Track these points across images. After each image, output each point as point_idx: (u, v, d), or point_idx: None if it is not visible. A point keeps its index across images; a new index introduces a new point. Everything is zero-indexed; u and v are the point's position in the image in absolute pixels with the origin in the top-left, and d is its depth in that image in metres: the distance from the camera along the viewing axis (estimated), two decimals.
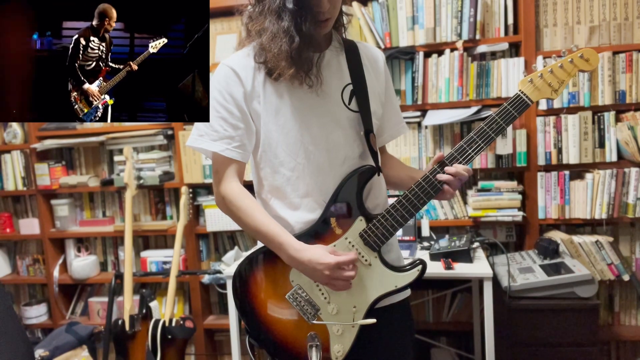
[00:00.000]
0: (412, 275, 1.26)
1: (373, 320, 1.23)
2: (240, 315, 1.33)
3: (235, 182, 1.28)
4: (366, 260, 1.26)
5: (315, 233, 1.27)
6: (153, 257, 2.90)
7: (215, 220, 2.72)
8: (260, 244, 1.32)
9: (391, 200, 1.30)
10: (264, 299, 1.30)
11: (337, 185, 1.28)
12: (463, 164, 1.25)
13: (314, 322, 1.26)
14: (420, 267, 1.26)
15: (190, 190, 2.74)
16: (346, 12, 1.35)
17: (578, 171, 2.43)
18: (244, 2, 1.29)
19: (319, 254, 1.19)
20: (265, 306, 1.30)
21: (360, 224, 1.26)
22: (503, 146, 2.38)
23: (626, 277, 2.30)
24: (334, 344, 1.26)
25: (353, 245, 1.26)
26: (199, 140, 1.27)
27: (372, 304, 1.26)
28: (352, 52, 1.33)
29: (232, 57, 1.28)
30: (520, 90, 1.28)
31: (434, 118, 2.41)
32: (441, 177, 1.25)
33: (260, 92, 1.25)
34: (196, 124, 1.28)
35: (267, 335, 1.30)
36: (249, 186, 1.34)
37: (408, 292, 1.39)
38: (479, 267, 2.08)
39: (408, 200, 1.26)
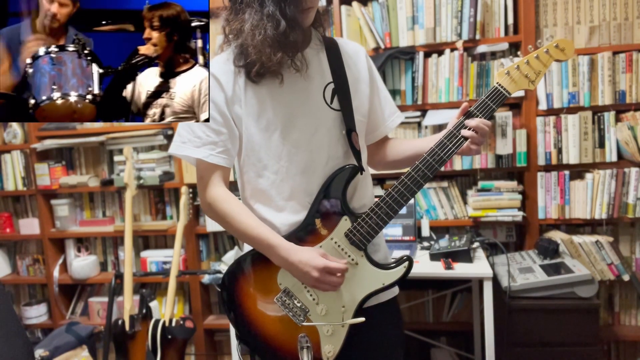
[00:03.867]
0: (398, 272, 1.26)
1: (362, 319, 1.24)
2: (229, 319, 1.33)
3: (221, 187, 1.28)
4: (353, 260, 1.26)
5: (301, 235, 1.27)
6: (153, 257, 2.90)
7: None
8: (247, 247, 1.32)
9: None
10: (252, 303, 1.30)
11: (321, 186, 1.28)
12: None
13: (304, 323, 1.26)
14: (406, 263, 1.26)
15: (190, 190, 2.74)
16: (324, 11, 1.34)
17: (578, 171, 2.43)
18: (222, 5, 1.28)
19: (308, 256, 1.19)
20: (255, 310, 1.30)
21: (345, 223, 1.26)
22: (503, 146, 2.38)
23: (626, 277, 2.30)
24: (324, 344, 1.27)
25: (339, 246, 1.26)
26: (181, 147, 1.26)
27: (360, 303, 1.26)
28: (332, 50, 1.32)
29: (211, 63, 1.26)
30: (497, 83, 1.27)
31: (434, 118, 2.41)
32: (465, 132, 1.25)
33: (241, 96, 1.25)
34: (178, 130, 1.28)
35: (258, 339, 1.30)
36: (234, 187, 1.33)
37: (396, 291, 1.39)
38: (479, 267, 2.08)
39: (391, 197, 1.26)
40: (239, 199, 1.33)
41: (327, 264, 1.18)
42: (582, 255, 2.31)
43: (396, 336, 1.41)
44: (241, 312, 1.30)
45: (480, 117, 1.26)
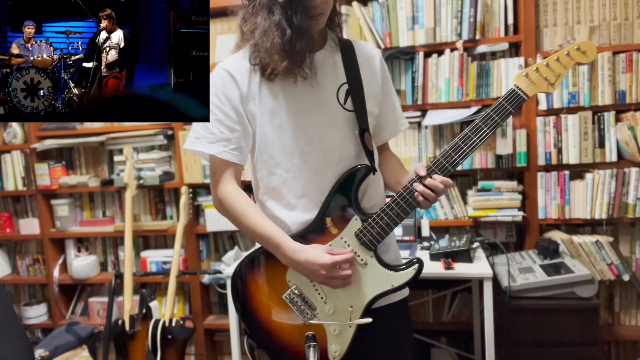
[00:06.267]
0: (408, 274, 1.26)
1: (369, 320, 1.24)
2: (239, 315, 1.34)
3: (232, 184, 1.29)
4: (362, 260, 1.26)
5: (312, 233, 1.28)
6: (153, 257, 2.90)
7: (215, 220, 2.72)
8: (258, 244, 1.32)
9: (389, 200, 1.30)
10: (261, 299, 1.31)
11: (333, 185, 1.28)
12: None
13: (311, 322, 1.26)
14: (416, 265, 1.26)
15: (190, 190, 2.74)
16: (341, 12, 1.35)
17: (578, 171, 2.43)
18: (240, 2, 1.29)
19: (314, 254, 1.20)
20: (263, 306, 1.31)
21: (355, 223, 1.27)
22: (503, 146, 2.38)
23: (626, 277, 2.30)
24: (331, 344, 1.27)
25: (349, 245, 1.27)
26: (195, 143, 1.28)
27: (368, 304, 1.26)
28: (347, 51, 1.33)
29: (227, 60, 1.29)
30: (515, 85, 1.26)
31: (434, 118, 2.41)
32: (417, 187, 1.24)
33: (256, 93, 1.26)
34: (193, 126, 1.29)
35: (266, 335, 1.31)
36: (248, 187, 1.34)
37: (406, 292, 1.39)
38: (479, 267, 2.08)
39: (403, 198, 1.26)
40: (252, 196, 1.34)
41: (334, 260, 1.18)
42: (582, 255, 2.31)
43: (405, 338, 1.41)
44: (250, 309, 1.32)
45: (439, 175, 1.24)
